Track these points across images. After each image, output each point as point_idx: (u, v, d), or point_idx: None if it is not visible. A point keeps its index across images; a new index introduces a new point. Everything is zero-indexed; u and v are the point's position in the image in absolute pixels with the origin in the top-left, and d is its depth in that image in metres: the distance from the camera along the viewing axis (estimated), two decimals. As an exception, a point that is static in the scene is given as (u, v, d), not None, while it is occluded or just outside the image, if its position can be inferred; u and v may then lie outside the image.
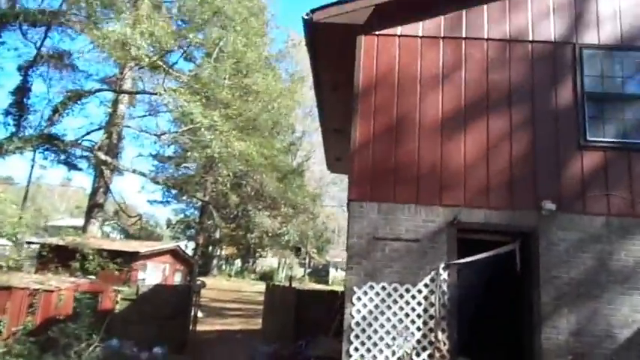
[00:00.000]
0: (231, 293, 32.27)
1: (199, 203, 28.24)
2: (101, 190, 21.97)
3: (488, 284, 8.07)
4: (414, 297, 6.68)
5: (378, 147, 7.11)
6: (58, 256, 14.74)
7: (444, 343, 6.52)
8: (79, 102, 19.33)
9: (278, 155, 20.67)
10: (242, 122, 18.86)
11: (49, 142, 18.37)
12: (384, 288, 6.72)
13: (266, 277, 47.02)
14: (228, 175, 21.46)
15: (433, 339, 6.55)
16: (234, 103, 17.91)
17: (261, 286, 41.08)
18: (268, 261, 56.24)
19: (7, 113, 18.14)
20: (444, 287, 6.68)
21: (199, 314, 17.60)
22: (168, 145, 24.57)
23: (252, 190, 21.96)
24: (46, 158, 19.23)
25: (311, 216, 27.42)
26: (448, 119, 7.16)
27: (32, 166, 27.61)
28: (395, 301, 6.68)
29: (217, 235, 29.53)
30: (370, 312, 6.66)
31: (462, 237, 6.85)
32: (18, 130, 18.17)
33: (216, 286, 32.02)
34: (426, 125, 7.15)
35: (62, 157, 27.33)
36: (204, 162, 24.40)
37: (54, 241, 17.15)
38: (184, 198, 31.97)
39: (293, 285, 16.92)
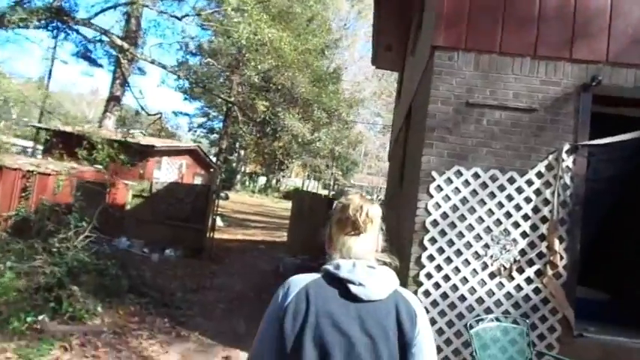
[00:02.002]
0: (254, 207, 31.15)
1: (224, 107, 26.13)
2: (118, 82, 20.04)
3: (630, 183, 5.80)
4: (520, 190, 4.60)
5: (482, -31, 4.76)
6: (64, 144, 13.05)
7: (561, 257, 4.52)
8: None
9: (312, 53, 18.17)
10: (274, 9, 16.21)
11: (58, 16, 16.13)
12: (476, 175, 4.65)
13: (290, 195, 45.74)
14: (257, 74, 19.18)
15: (545, 250, 4.54)
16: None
17: (285, 204, 39.91)
18: (292, 181, 55.06)
19: (10, -21, 15.88)
20: (567, 179, 4.56)
21: (220, 223, 16.14)
22: (192, 39, 22.20)
23: (282, 89, 19.65)
24: (55, 37, 17.11)
25: (346, 125, 25.13)
26: None
27: (53, 58, 25.70)
28: (492, 195, 4.62)
29: (243, 143, 27.80)
30: (455, 207, 4.64)
31: (597, 110, 4.63)
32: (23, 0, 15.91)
33: (239, 200, 30.84)
34: (561, -62, 4.70)
35: (80, 48, 25.40)
36: (230, 59, 22.11)
37: (62, 127, 15.53)
38: (207, 101, 29.92)
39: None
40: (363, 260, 1.48)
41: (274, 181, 50.36)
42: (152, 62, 18.40)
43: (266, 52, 16.30)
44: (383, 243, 1.63)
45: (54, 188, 10.13)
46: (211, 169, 18.79)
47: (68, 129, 14.77)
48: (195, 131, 35.35)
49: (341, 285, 1.42)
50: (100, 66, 28.70)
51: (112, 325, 5.90)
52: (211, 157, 24.37)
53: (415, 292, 4.59)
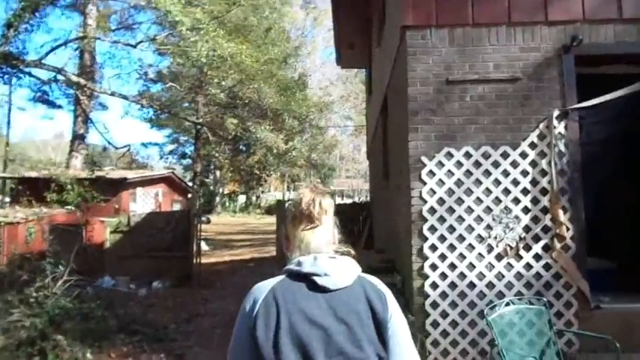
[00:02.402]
0: (237, 226, 30.62)
1: (193, 131, 25.55)
2: (80, 119, 19.41)
3: (625, 144, 5.64)
4: (515, 164, 4.40)
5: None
6: (31, 190, 12.47)
7: (567, 228, 4.31)
8: (37, 13, 16.31)
9: (275, 63, 17.92)
10: (230, 24, 15.95)
11: (6, 61, 15.57)
12: (468, 154, 4.43)
13: (272, 210, 45.24)
14: (222, 92, 18.74)
15: (550, 223, 4.33)
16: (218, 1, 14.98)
17: (268, 219, 39.48)
18: (272, 195, 54.53)
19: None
20: (561, 146, 4.38)
21: (205, 247, 15.66)
22: (150, 66, 21.67)
23: (249, 103, 19.27)
24: (6, 83, 16.49)
25: (319, 130, 24.80)
26: None
27: (10, 106, 24.85)
28: (487, 172, 4.41)
29: (217, 163, 27.17)
30: (450, 191, 4.41)
31: (580, 72, 4.47)
32: (-32, 50, 15.34)
33: (221, 222, 30.25)
34: None
35: (36, 92, 24.65)
36: (192, 80, 21.66)
37: (27, 174, 14.91)
38: (175, 126, 29.28)
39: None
40: (322, 253, 1.47)
41: (254, 198, 49.84)
42: (112, 94, 17.93)
43: (228, 68, 15.99)
44: (338, 235, 1.61)
45: (25, 237, 9.60)
46: (189, 194, 18.30)
47: (34, 174, 14.19)
48: (167, 159, 34.72)
49: (306, 280, 1.41)
50: (60, 107, 27.87)
51: (105, 371, 5.49)
52: (187, 182, 23.81)
53: (422, 286, 4.33)
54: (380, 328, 1.39)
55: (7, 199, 16.00)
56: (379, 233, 9.59)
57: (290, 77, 21.57)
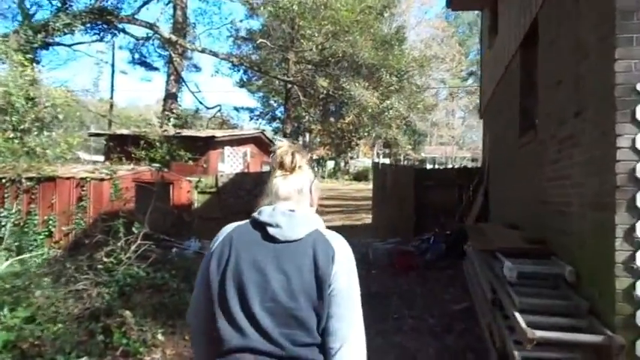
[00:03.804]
0: (326, 192, 29.79)
1: (283, 93, 24.65)
2: (172, 78, 19.22)
3: None
4: None
5: None
6: (121, 147, 12.16)
7: None
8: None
9: (371, 13, 16.19)
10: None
11: (101, 17, 15.38)
12: None
13: (360, 176, 44.22)
14: (315, 46, 17.45)
15: None
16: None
17: (356, 186, 38.54)
18: (360, 162, 53.27)
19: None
20: None
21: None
22: (240, 21, 20.83)
23: (343, 59, 17.78)
24: (102, 39, 16.41)
25: (417, 88, 22.69)
26: None
27: (113, 67, 25.62)
28: None
29: (307, 125, 26.22)
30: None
31: None
32: (65, 5, 15.30)
33: (309, 186, 29.54)
34: None
35: (135, 53, 25.03)
36: (283, 38, 20.57)
37: (119, 131, 14.80)
38: (265, 85, 28.58)
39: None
40: (285, 203, 1.55)
41: (342, 164, 48.87)
42: (203, 51, 17.35)
43: (321, 19, 14.58)
44: (317, 199, 1.69)
45: (111, 194, 9.11)
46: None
47: (125, 131, 14.02)
48: (257, 120, 34.42)
49: (262, 228, 1.50)
50: (156, 69, 28.45)
51: (177, 358, 4.54)
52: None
53: (632, 288, 2.75)
54: (320, 284, 1.43)
55: (102, 158, 16.19)
56: (500, 203, 7.89)
57: (387, 30, 19.68)
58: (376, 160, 49.84)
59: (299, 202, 1.59)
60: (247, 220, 1.55)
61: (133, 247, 5.66)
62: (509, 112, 7.02)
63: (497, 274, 4.28)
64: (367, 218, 18.53)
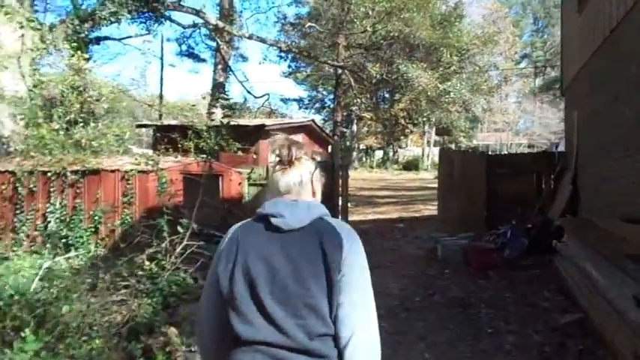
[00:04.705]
0: (377, 182, 28.85)
1: (333, 79, 23.62)
2: (219, 67, 18.63)
3: None
4: None
5: None
6: (169, 138, 11.59)
7: None
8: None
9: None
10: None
11: (147, 4, 14.92)
12: None
13: (410, 165, 42.93)
14: (363, 32, 16.28)
15: None
16: None
17: (407, 175, 37.22)
18: (409, 151, 51.80)
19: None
20: None
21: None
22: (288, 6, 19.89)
23: (397, 39, 16.46)
24: (148, 31, 16.02)
25: (479, 69, 21.00)
26: None
27: (162, 60, 25.57)
28: None
29: (358, 112, 25.07)
30: None
31: None
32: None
33: (359, 177, 28.63)
34: None
35: (182, 44, 24.77)
36: (334, 21, 19.50)
37: (166, 122, 14.29)
38: (314, 73, 27.62)
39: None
40: (287, 195, 1.58)
41: (391, 153, 47.57)
42: (250, 37, 16.61)
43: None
44: (321, 188, 1.70)
45: (157, 187, 8.48)
46: (329, 145, 16.64)
47: (172, 122, 13.50)
48: (307, 110, 33.55)
49: (265, 221, 1.51)
50: (204, 60, 28.18)
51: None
52: (327, 132, 22.25)
53: None
54: (330, 271, 1.42)
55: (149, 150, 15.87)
56: (603, 192, 6.62)
57: (445, 7, 18.19)
58: (427, 149, 48.13)
59: (300, 194, 1.61)
60: (252, 217, 1.59)
61: (178, 249, 4.88)
62: (619, 82, 5.77)
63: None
64: (426, 210, 17.34)
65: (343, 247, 1.46)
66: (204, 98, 18.05)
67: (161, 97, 25.42)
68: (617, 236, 4.27)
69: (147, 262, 4.60)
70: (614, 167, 5.90)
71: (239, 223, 1.60)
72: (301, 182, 1.61)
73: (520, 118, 57.96)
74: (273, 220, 1.49)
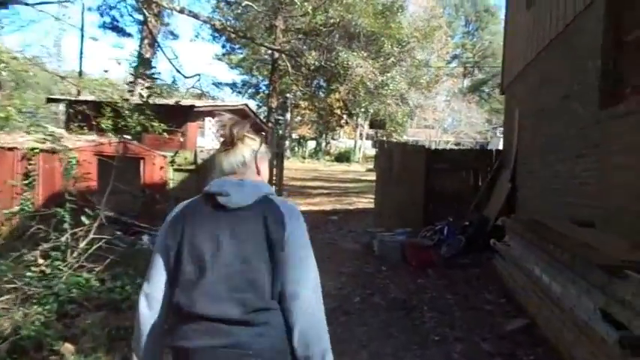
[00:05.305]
0: (309, 172, 28.50)
1: (269, 64, 22.68)
2: (146, 41, 17.20)
3: None
4: None
5: None
6: (84, 115, 10.34)
7: None
8: None
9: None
10: None
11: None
12: None
13: (342, 157, 43.16)
14: (303, 15, 15.65)
15: None
16: None
17: (339, 167, 37.23)
18: (342, 142, 52.07)
19: None
20: None
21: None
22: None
23: (337, 25, 15.91)
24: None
25: (419, 62, 20.96)
26: None
27: (82, 31, 23.39)
28: None
29: (294, 100, 24.35)
30: None
31: None
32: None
33: (292, 166, 28.10)
34: None
35: (105, 16, 22.79)
36: (270, 3, 18.61)
37: (81, 97, 12.89)
38: (248, 60, 26.50)
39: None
40: (233, 176, 1.62)
41: (324, 144, 47.49)
42: (181, 11, 15.39)
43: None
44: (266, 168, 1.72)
45: (66, 170, 7.39)
46: (263, 132, 15.89)
47: (88, 97, 12.17)
48: (239, 95, 32.23)
49: (212, 199, 1.55)
50: (129, 35, 26.17)
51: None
52: (261, 119, 21.36)
53: None
54: (273, 249, 1.48)
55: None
56: (545, 193, 6.51)
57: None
58: (359, 141, 48.38)
59: (244, 174, 1.63)
60: (197, 196, 1.61)
61: (82, 244, 4.04)
62: (571, 79, 5.59)
63: (629, 301, 2.86)
64: (359, 202, 17.11)
65: (286, 225, 1.50)
66: (127, 82, 16.60)
67: (80, 71, 23.35)
68: (575, 241, 3.99)
69: (40, 260, 3.73)
70: (563, 167, 5.74)
71: (185, 202, 1.62)
72: (244, 162, 1.64)
73: (449, 117, 59.89)
74: (219, 198, 1.52)
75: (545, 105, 6.65)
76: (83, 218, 4.24)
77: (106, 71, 9.78)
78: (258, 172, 1.67)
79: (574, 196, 5.27)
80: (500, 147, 12.10)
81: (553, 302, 4.26)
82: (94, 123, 9.73)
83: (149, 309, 1.57)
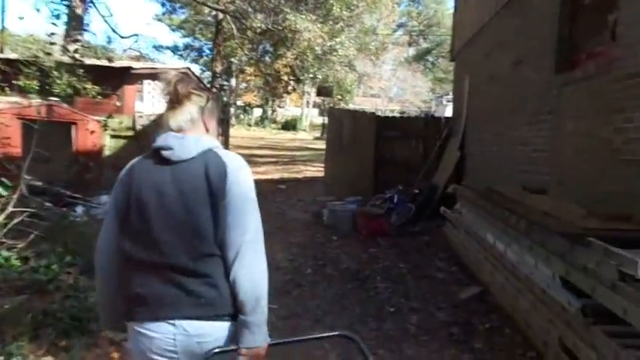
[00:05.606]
0: (256, 140, 27.94)
1: (212, 27, 21.51)
2: (77, -4, 15.75)
3: None
4: None
5: None
6: (6, 75, 9.34)
7: None
8: None
9: None
10: None
11: None
12: None
13: (288, 125, 42.76)
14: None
15: None
16: None
17: (285, 135, 36.79)
18: (288, 111, 51.53)
19: None
20: None
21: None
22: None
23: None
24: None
25: (367, 29, 20.61)
26: None
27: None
28: None
29: (239, 66, 23.38)
30: None
31: None
32: None
33: (237, 134, 27.41)
34: None
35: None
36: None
37: (4, 55, 11.70)
38: (191, 21, 25.16)
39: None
40: (181, 133, 1.60)
41: (270, 112, 46.73)
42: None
43: None
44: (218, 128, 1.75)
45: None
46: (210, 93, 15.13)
47: (11, 55, 11.04)
48: (182, 57, 30.67)
49: (157, 154, 1.58)
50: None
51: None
52: (205, 83, 20.43)
53: None
54: (215, 198, 1.52)
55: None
56: (496, 161, 6.51)
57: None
58: (306, 109, 47.91)
59: (191, 131, 1.62)
60: (148, 152, 1.63)
61: (0, 218, 3.55)
62: (525, 44, 5.50)
63: (592, 269, 2.79)
64: (307, 171, 16.89)
65: (228, 176, 1.53)
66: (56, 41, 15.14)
67: (3, 27, 21.29)
68: (530, 208, 3.93)
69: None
70: (515, 134, 5.70)
71: (136, 158, 1.65)
72: (191, 120, 1.63)
73: (394, 86, 60.28)
74: (163, 152, 1.56)
75: (497, 71, 6.59)
76: (0, 189, 3.73)
77: (21, 18, 8.80)
78: (207, 130, 1.67)
79: (526, 163, 5.26)
80: (447, 115, 12.13)
81: (507, 270, 4.24)
82: (15, 83, 8.86)
83: (105, 261, 1.63)
